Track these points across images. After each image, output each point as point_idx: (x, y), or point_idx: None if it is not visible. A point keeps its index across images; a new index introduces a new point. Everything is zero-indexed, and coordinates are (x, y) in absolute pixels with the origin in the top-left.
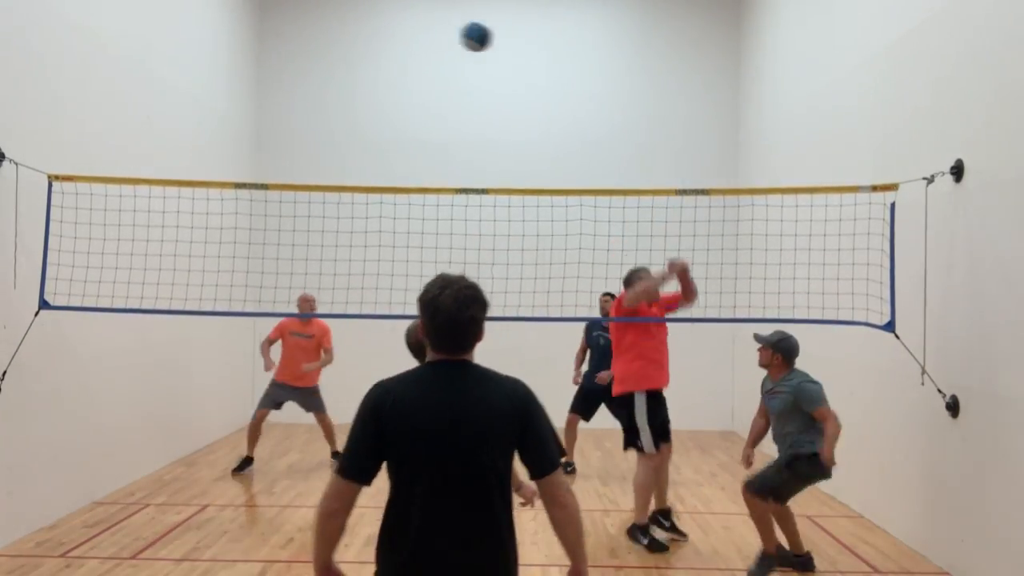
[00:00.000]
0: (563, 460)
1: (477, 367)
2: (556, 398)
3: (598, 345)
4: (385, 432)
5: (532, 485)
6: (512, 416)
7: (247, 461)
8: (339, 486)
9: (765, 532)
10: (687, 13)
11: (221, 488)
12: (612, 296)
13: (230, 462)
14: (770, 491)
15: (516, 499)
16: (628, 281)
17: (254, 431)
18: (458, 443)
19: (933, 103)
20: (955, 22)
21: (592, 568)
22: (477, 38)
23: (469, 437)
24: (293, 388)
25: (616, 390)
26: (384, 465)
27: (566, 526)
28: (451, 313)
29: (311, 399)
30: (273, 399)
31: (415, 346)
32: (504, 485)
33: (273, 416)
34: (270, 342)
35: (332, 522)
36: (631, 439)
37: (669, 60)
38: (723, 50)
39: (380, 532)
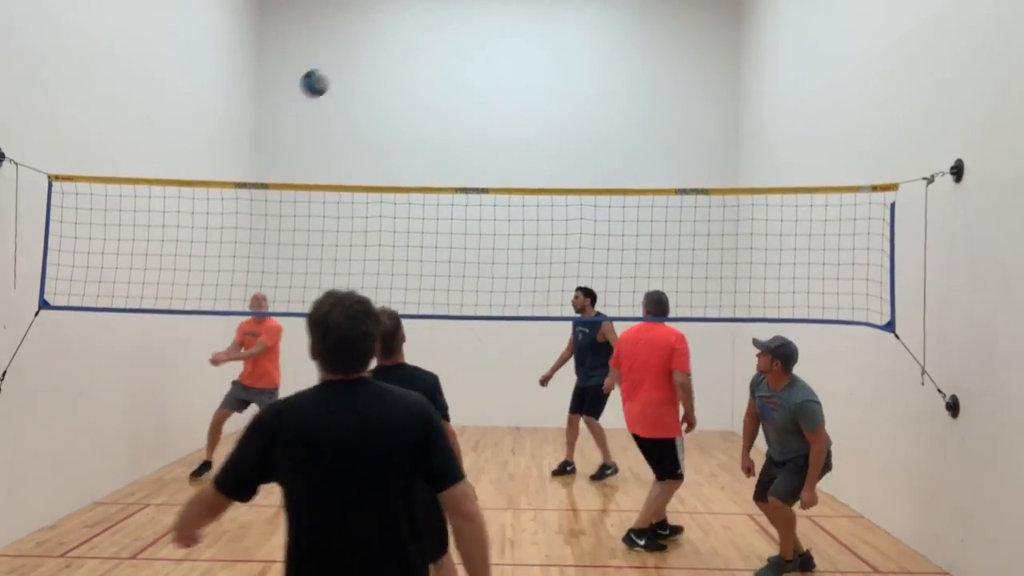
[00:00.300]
0: (564, 460)
1: (374, 384)
2: (556, 398)
3: (577, 341)
4: (275, 455)
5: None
6: (413, 433)
7: (205, 466)
8: (211, 495)
9: (788, 538)
10: (687, 13)
11: None
12: (585, 291)
13: None
14: (794, 494)
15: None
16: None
17: (214, 432)
18: (359, 465)
19: (933, 103)
20: (955, 22)
21: (592, 568)
22: (311, 90)
23: (370, 458)
24: (250, 389)
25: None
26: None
27: (471, 542)
28: (343, 331)
29: (267, 401)
30: (235, 398)
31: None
32: (410, 506)
33: None
34: (237, 345)
35: (198, 519)
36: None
37: (669, 60)
38: (723, 50)
39: (284, 561)
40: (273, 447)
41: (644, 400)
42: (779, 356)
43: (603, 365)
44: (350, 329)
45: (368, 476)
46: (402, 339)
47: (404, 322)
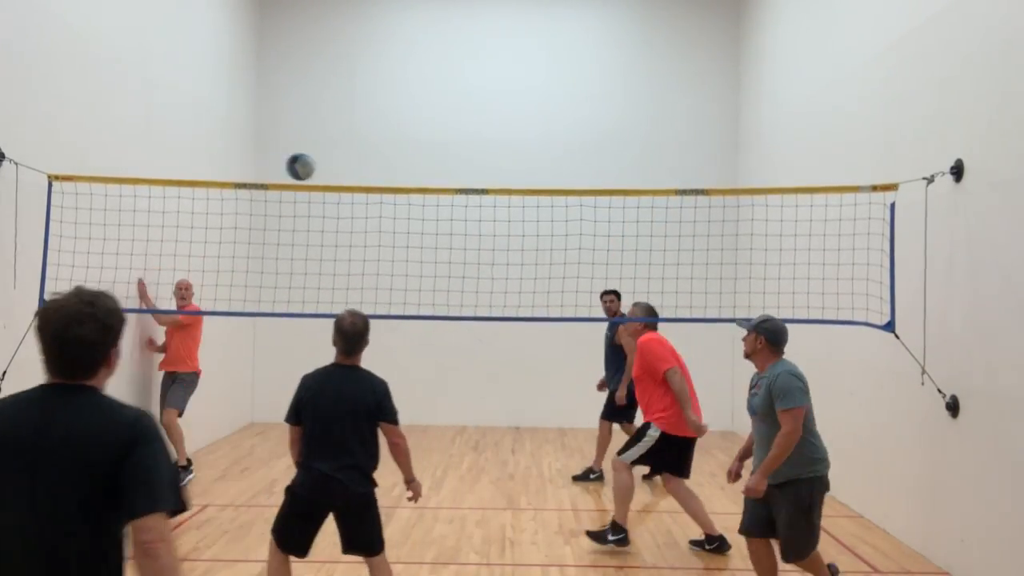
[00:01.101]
0: (590, 467)
1: (96, 395)
2: (556, 398)
3: (605, 339)
4: None
5: (419, 484)
6: (110, 448)
7: (187, 468)
8: None
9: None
10: (687, 13)
11: (221, 488)
12: (614, 294)
13: (230, 462)
14: (809, 545)
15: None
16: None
17: (173, 434)
18: (36, 478)
19: (933, 103)
20: (956, 22)
21: (592, 568)
22: (294, 174)
23: (48, 472)
24: (174, 374)
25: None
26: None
27: None
28: (56, 331)
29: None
30: (168, 392)
31: (347, 333)
32: (104, 527)
33: (273, 416)
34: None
35: None
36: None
37: (669, 60)
38: (723, 50)
39: None
40: None
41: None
42: (763, 331)
43: (620, 370)
44: (64, 330)
45: (44, 491)
46: (365, 343)
47: (403, 323)
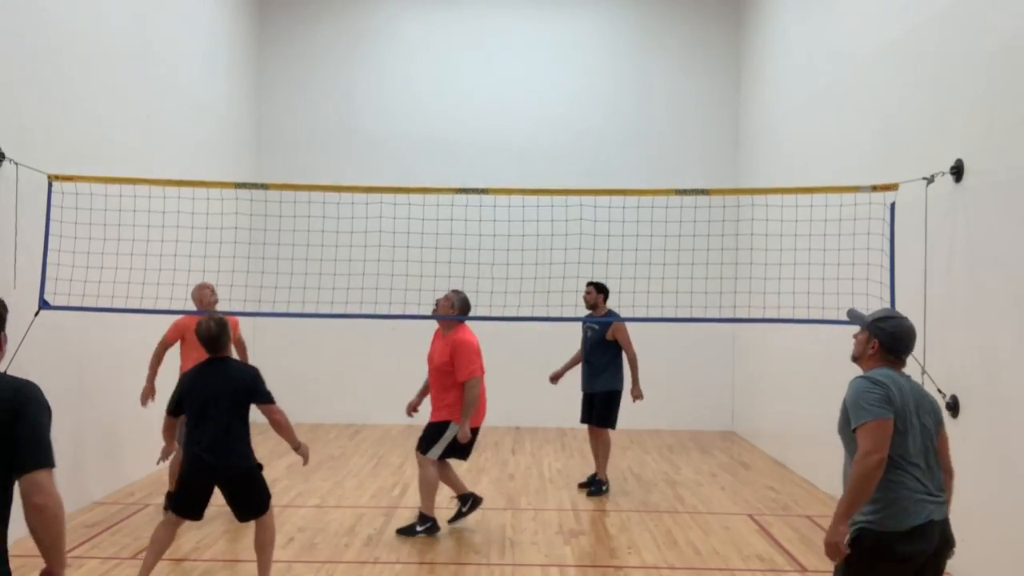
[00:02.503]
0: (598, 477)
1: None
2: (556, 399)
3: (586, 338)
4: None
5: (307, 447)
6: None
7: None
8: None
9: None
10: (687, 13)
11: None
12: (597, 287)
13: None
14: None
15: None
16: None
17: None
18: None
19: (933, 103)
20: (955, 22)
21: (592, 568)
22: None
23: None
24: None
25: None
26: None
27: (39, 528)
28: None
29: None
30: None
31: (204, 337)
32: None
33: None
34: (165, 346)
35: None
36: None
37: (669, 61)
38: (723, 50)
39: None
40: None
41: None
42: (877, 332)
43: (611, 365)
44: None
45: None
46: (226, 340)
47: (403, 323)
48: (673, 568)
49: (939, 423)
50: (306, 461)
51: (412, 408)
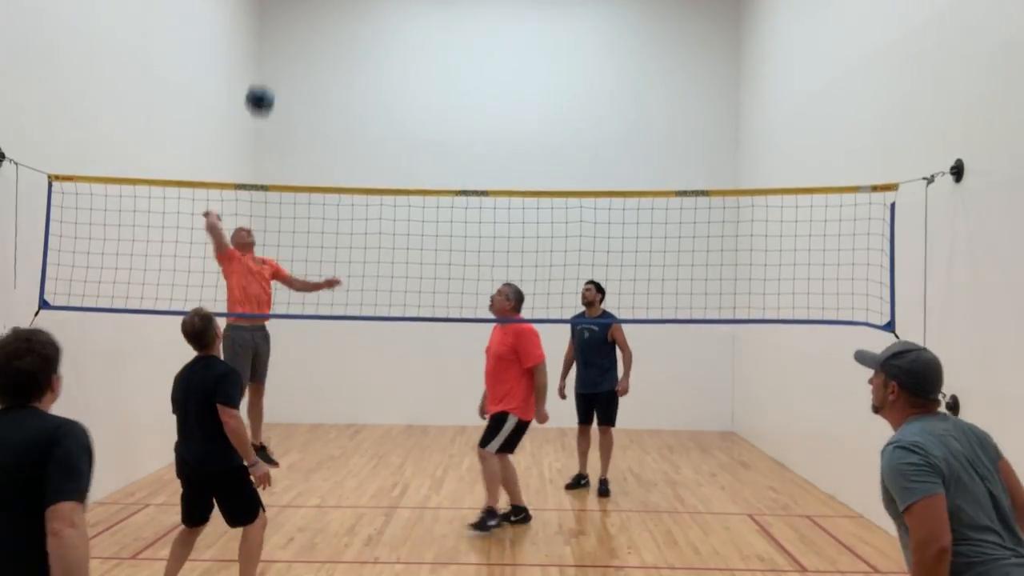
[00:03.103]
0: (578, 473)
1: (27, 413)
2: (557, 399)
3: (583, 339)
4: None
5: (264, 468)
6: (34, 446)
7: (261, 450)
8: None
9: None
10: (687, 13)
11: None
12: (597, 286)
13: None
14: None
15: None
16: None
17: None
18: None
19: (933, 103)
20: (955, 22)
21: (592, 568)
22: (254, 102)
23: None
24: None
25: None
26: None
27: (52, 556)
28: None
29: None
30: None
31: (188, 333)
32: (30, 523)
33: (272, 416)
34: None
35: None
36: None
37: (669, 61)
38: (723, 50)
39: None
40: None
41: None
42: (893, 372)
43: (613, 365)
44: (5, 366)
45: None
46: (211, 337)
47: (403, 324)
48: (673, 568)
49: (997, 457)
50: (261, 485)
51: (485, 412)
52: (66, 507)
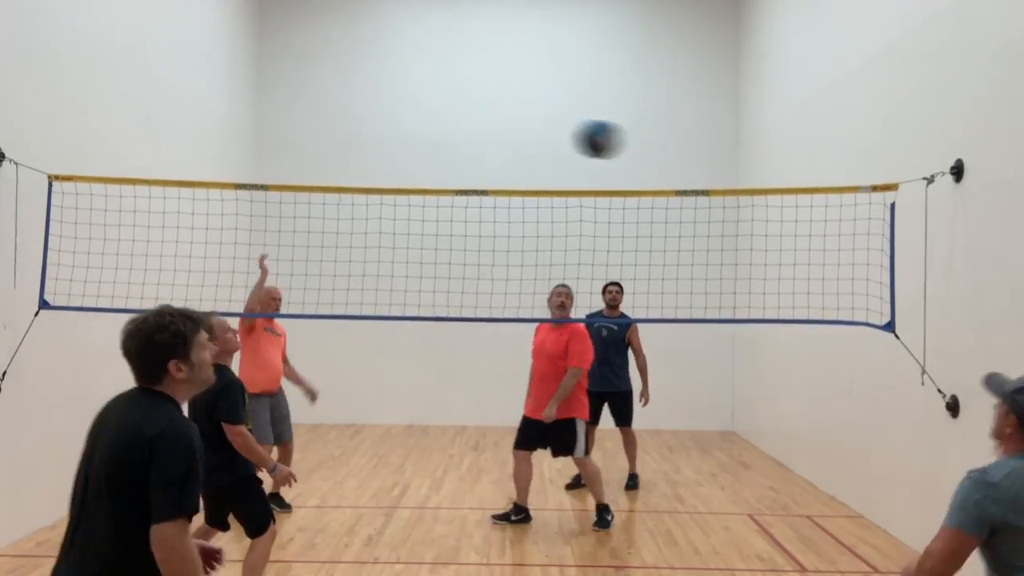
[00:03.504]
0: (578, 474)
1: (148, 396)
2: None
3: (600, 337)
4: None
5: (284, 470)
6: (137, 447)
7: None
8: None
9: None
10: (687, 13)
11: None
12: (618, 286)
13: None
14: None
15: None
16: None
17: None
18: (90, 465)
19: (933, 103)
20: (955, 22)
21: (592, 568)
22: (591, 144)
23: (98, 462)
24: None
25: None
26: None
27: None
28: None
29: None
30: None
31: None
32: (133, 521)
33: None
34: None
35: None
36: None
37: (669, 60)
38: (723, 51)
39: None
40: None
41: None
42: (1017, 407)
43: (627, 364)
44: (121, 344)
45: (94, 480)
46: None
47: (403, 324)
48: (673, 568)
49: None
50: (284, 483)
51: (544, 416)
52: (167, 529)
